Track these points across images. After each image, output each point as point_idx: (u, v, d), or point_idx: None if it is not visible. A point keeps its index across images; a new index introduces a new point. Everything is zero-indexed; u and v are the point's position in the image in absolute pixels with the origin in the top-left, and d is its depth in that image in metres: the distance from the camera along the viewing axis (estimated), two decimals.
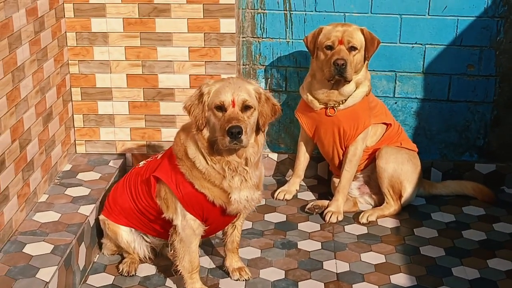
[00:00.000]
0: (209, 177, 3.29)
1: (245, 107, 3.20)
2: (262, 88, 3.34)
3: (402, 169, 4.27)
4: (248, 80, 3.37)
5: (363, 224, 4.23)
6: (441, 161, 4.74)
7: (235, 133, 3.09)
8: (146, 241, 3.72)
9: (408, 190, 4.32)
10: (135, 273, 3.68)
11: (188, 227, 3.38)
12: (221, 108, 3.18)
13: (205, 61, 4.31)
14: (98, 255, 3.87)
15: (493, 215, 4.35)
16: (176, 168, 3.35)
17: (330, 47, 4.10)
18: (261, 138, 3.34)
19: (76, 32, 4.28)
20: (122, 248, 3.74)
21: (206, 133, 3.25)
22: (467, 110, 4.62)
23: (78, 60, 4.34)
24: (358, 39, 4.12)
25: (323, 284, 3.63)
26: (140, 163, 3.71)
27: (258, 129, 3.30)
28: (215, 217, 3.42)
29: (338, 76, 4.06)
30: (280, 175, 4.84)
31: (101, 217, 3.73)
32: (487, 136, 4.66)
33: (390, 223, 4.26)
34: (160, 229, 3.58)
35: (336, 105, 4.20)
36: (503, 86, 4.53)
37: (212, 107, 3.21)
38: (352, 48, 4.10)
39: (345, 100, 4.19)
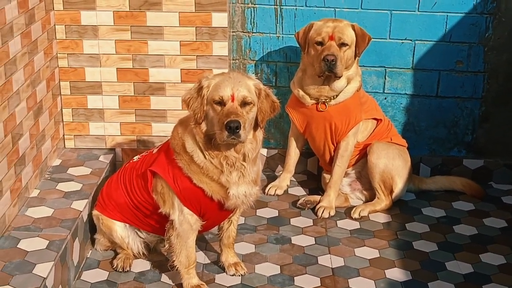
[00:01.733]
0: (207, 172, 3.26)
1: (244, 103, 3.18)
2: (262, 84, 3.32)
3: (393, 165, 4.29)
4: (248, 75, 3.35)
5: (355, 219, 4.24)
6: (429, 156, 4.77)
7: (233, 128, 3.07)
8: (140, 237, 3.68)
9: (399, 185, 4.34)
10: (130, 269, 3.64)
11: (185, 222, 3.35)
12: (220, 102, 3.16)
13: (197, 55, 4.28)
14: (91, 251, 3.81)
15: (483, 210, 4.39)
16: (173, 162, 3.32)
17: (321, 43, 4.10)
18: (259, 134, 3.32)
19: (65, 25, 4.22)
20: (116, 244, 3.69)
21: (204, 127, 3.22)
22: (456, 106, 4.66)
23: (67, 54, 4.27)
24: (349, 35, 4.12)
25: (319, 279, 3.63)
26: (135, 158, 3.67)
27: (256, 125, 3.29)
28: (213, 212, 3.40)
29: (328, 72, 4.06)
30: (270, 171, 4.83)
31: (95, 212, 3.68)
32: (475, 132, 4.70)
33: (382, 218, 4.27)
34: (156, 224, 3.55)
35: (327, 100, 4.20)
36: (492, 83, 4.58)
37: (211, 101, 3.18)
38: (343, 44, 4.10)
39: (337, 96, 4.20)
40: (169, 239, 3.43)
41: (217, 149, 3.23)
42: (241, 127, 3.08)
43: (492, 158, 4.72)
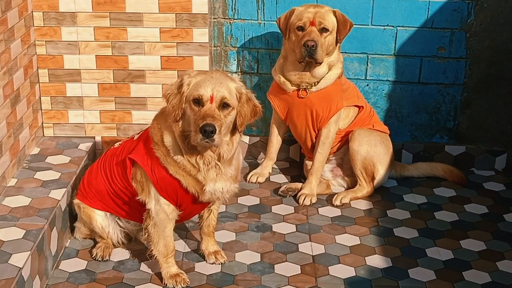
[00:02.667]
0: (183, 168, 3.24)
1: (223, 105, 3.11)
2: (244, 87, 3.25)
3: (375, 151, 4.28)
4: (231, 77, 3.27)
5: (336, 206, 4.23)
6: (412, 143, 4.76)
7: (208, 132, 3.01)
8: (120, 226, 3.65)
9: (380, 172, 4.33)
10: (109, 258, 3.61)
11: (161, 211, 3.32)
12: (199, 102, 3.10)
13: (177, 42, 4.24)
14: (69, 240, 3.78)
15: (464, 196, 4.39)
16: (151, 151, 3.29)
17: (302, 28, 4.07)
18: (236, 137, 3.27)
19: (43, 12, 4.16)
20: (96, 233, 3.66)
21: (181, 123, 3.18)
22: (438, 92, 4.64)
23: (46, 41, 4.22)
24: (330, 21, 4.09)
25: (299, 266, 3.62)
26: (116, 144, 3.64)
27: (234, 129, 3.23)
28: (188, 204, 3.37)
29: (309, 58, 4.03)
30: (252, 158, 4.81)
31: (76, 201, 3.65)
32: (457, 118, 4.69)
33: (363, 205, 4.26)
34: (135, 212, 3.52)
35: (308, 87, 4.18)
36: (473, 69, 4.56)
37: (190, 99, 3.12)
38: (324, 30, 4.07)
39: (318, 82, 4.17)
40: (146, 228, 3.41)
41: (193, 148, 3.18)
42: (216, 131, 3.03)
43: (474, 144, 4.72)
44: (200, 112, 3.08)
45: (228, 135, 3.22)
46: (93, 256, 3.62)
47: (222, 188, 3.31)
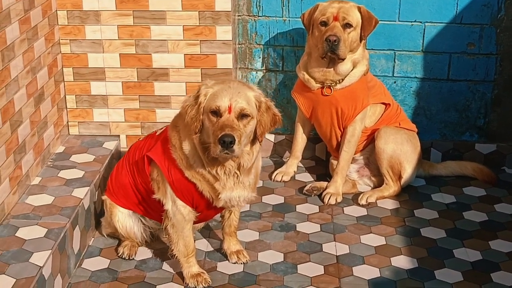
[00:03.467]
0: (202, 176, 3.19)
1: (242, 115, 3.04)
2: (263, 95, 3.17)
3: (402, 150, 4.20)
4: (249, 85, 3.20)
5: (362, 206, 4.16)
6: (441, 141, 4.66)
7: (227, 142, 2.94)
8: (144, 224, 3.64)
9: (407, 171, 4.25)
10: (135, 257, 3.60)
11: (178, 213, 3.30)
12: (217, 113, 3.03)
13: (200, 40, 4.21)
14: (93, 239, 3.78)
15: (494, 195, 4.28)
16: (168, 152, 3.25)
17: (325, 23, 4.01)
18: (257, 146, 3.19)
19: (67, 11, 4.17)
20: (117, 230, 3.66)
21: (200, 136, 3.12)
22: (467, 89, 4.54)
23: (70, 40, 4.23)
24: (354, 17, 4.02)
25: (322, 266, 3.57)
26: (141, 137, 3.63)
27: (255, 138, 3.16)
28: (203, 207, 3.34)
29: (331, 53, 3.96)
30: (278, 156, 4.76)
31: (104, 197, 3.65)
32: (487, 116, 4.58)
33: (390, 204, 4.19)
34: (155, 211, 3.50)
35: (332, 84, 4.12)
36: (504, 65, 4.45)
37: (207, 110, 3.05)
38: (347, 25, 4.00)
39: (342, 80, 4.10)
40: (165, 228, 3.39)
41: (214, 159, 3.12)
42: (236, 142, 2.96)
43: (505, 143, 4.61)
44: (218, 123, 3.01)
45: (248, 145, 3.16)
46: (119, 254, 3.61)
47: (239, 197, 3.25)
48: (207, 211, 3.37)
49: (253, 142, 3.17)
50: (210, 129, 3.04)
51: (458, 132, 4.65)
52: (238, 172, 3.18)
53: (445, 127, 4.65)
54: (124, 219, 3.58)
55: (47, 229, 3.34)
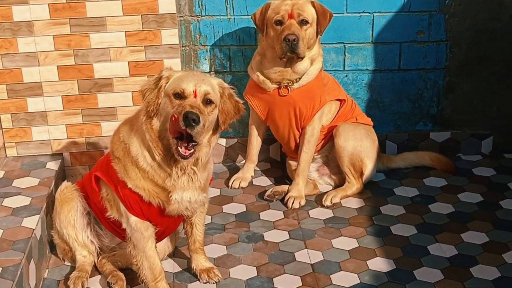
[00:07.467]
0: (152, 176, 2.99)
1: (207, 101, 2.92)
2: (225, 83, 3.07)
3: (362, 146, 4.09)
4: (211, 76, 3.11)
5: (327, 207, 4.02)
6: (395, 132, 4.58)
7: (190, 119, 2.76)
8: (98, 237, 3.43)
9: (369, 166, 4.14)
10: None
11: (135, 230, 3.09)
12: (180, 96, 2.88)
13: (145, 46, 3.97)
14: (47, 270, 3.48)
15: (456, 185, 4.23)
16: (110, 165, 3.07)
17: (280, 22, 3.83)
18: (214, 139, 3.06)
19: None
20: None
21: (156, 123, 2.93)
22: (419, 78, 4.46)
23: (1, 54, 3.90)
24: (309, 12, 3.87)
25: (299, 277, 3.40)
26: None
27: (216, 128, 3.03)
28: (157, 218, 3.13)
29: (290, 53, 3.80)
30: (231, 161, 4.56)
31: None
32: (440, 104, 4.52)
33: (354, 203, 4.07)
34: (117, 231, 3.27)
35: (290, 84, 3.95)
36: (454, 51, 4.40)
37: (170, 93, 2.90)
38: (304, 22, 3.84)
39: (300, 79, 3.95)
40: (130, 252, 3.16)
41: (168, 151, 2.94)
42: (200, 124, 2.78)
43: (459, 129, 4.58)
44: (182, 103, 2.84)
45: (207, 136, 2.98)
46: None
47: (190, 198, 3.07)
48: (163, 222, 3.15)
49: (213, 133, 3.03)
50: (171, 111, 2.86)
51: (412, 122, 4.58)
52: (194, 168, 3.00)
53: (399, 118, 4.57)
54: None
55: (1, 268, 3.02)
